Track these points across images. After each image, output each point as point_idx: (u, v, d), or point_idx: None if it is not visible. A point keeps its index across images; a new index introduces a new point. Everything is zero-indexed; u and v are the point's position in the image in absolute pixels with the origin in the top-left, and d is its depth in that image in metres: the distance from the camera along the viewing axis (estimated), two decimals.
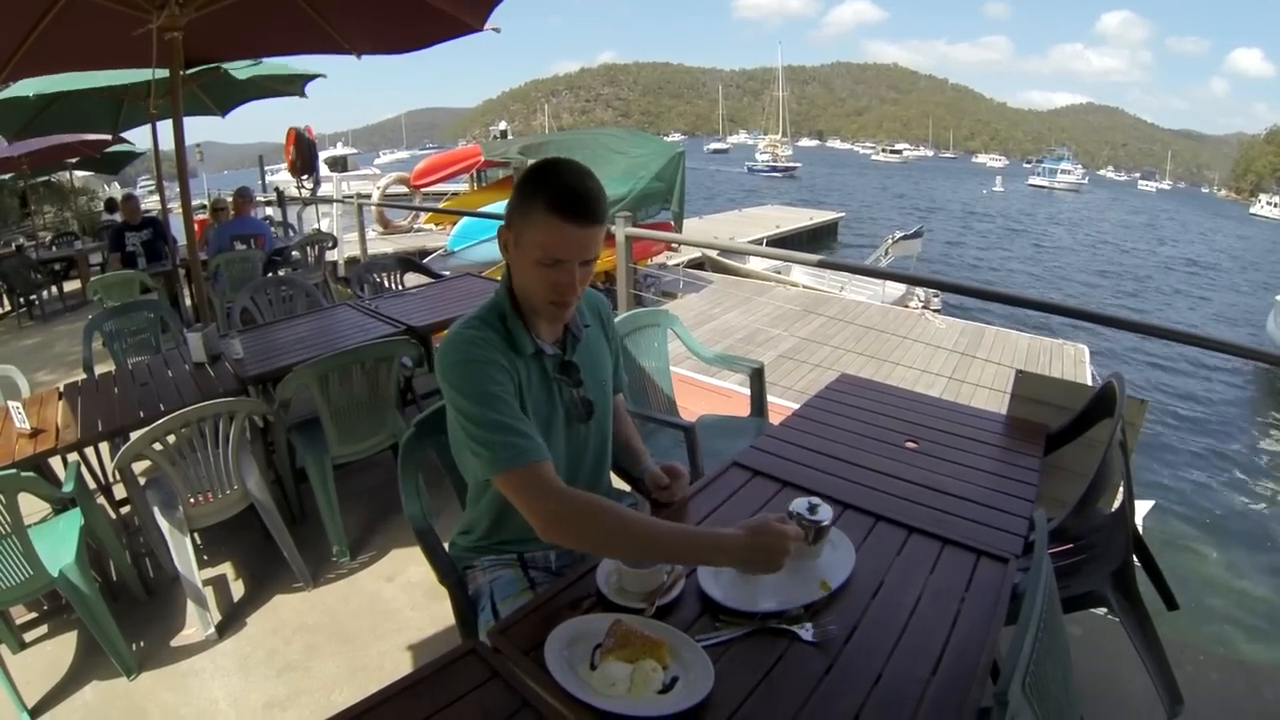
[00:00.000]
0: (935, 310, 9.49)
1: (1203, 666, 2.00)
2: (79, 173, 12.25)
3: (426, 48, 3.34)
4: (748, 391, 2.64)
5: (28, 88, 4.29)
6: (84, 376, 3.03)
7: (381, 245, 12.40)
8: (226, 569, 2.60)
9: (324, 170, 14.80)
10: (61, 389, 2.69)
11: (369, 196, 14.10)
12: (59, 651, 2.21)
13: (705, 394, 4.18)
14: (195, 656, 2.16)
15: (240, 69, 4.98)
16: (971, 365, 6.31)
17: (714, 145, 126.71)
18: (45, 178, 12.03)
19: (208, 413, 2.17)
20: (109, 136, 6.41)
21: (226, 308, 4.57)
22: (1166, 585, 1.42)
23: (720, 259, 11.84)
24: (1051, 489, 1.85)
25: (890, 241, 15.11)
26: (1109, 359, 12.21)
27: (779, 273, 11.83)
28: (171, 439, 2.13)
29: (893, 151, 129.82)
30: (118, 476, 2.66)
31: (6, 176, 10.15)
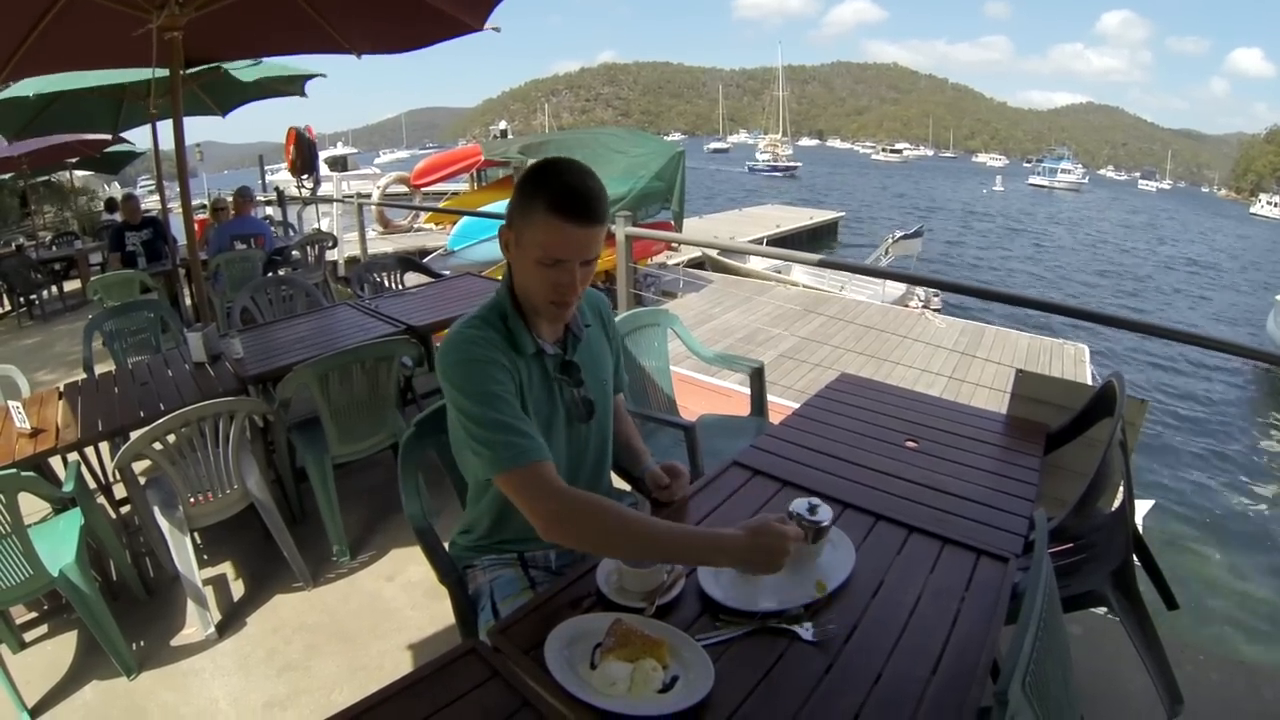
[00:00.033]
0: (935, 310, 9.49)
1: (1203, 666, 2.00)
2: (79, 172, 12.27)
3: (426, 47, 3.34)
4: (748, 391, 2.64)
5: (28, 87, 4.29)
6: (84, 376, 3.03)
7: (381, 245, 12.40)
8: (226, 568, 2.60)
9: (324, 170, 14.79)
10: (61, 389, 2.69)
11: (369, 196, 14.10)
12: (59, 651, 2.21)
13: (705, 393, 4.18)
14: (195, 656, 2.16)
15: (240, 69, 4.98)
16: (971, 365, 6.31)
17: (714, 145, 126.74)
18: (45, 177, 12.04)
19: (208, 412, 2.17)
20: (109, 136, 6.41)
21: (226, 307, 4.57)
22: (1166, 585, 1.42)
23: (720, 258, 11.84)
24: (1051, 488, 1.85)
25: (890, 241, 15.12)
26: (1109, 359, 12.22)
27: (779, 272, 11.83)
28: (171, 438, 2.13)
29: (893, 151, 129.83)
30: (118, 476, 2.66)
31: (6, 176, 10.15)
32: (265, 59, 5.00)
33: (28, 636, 2.27)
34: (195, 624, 2.24)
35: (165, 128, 4.93)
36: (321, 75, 5.69)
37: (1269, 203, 63.75)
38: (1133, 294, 22.08)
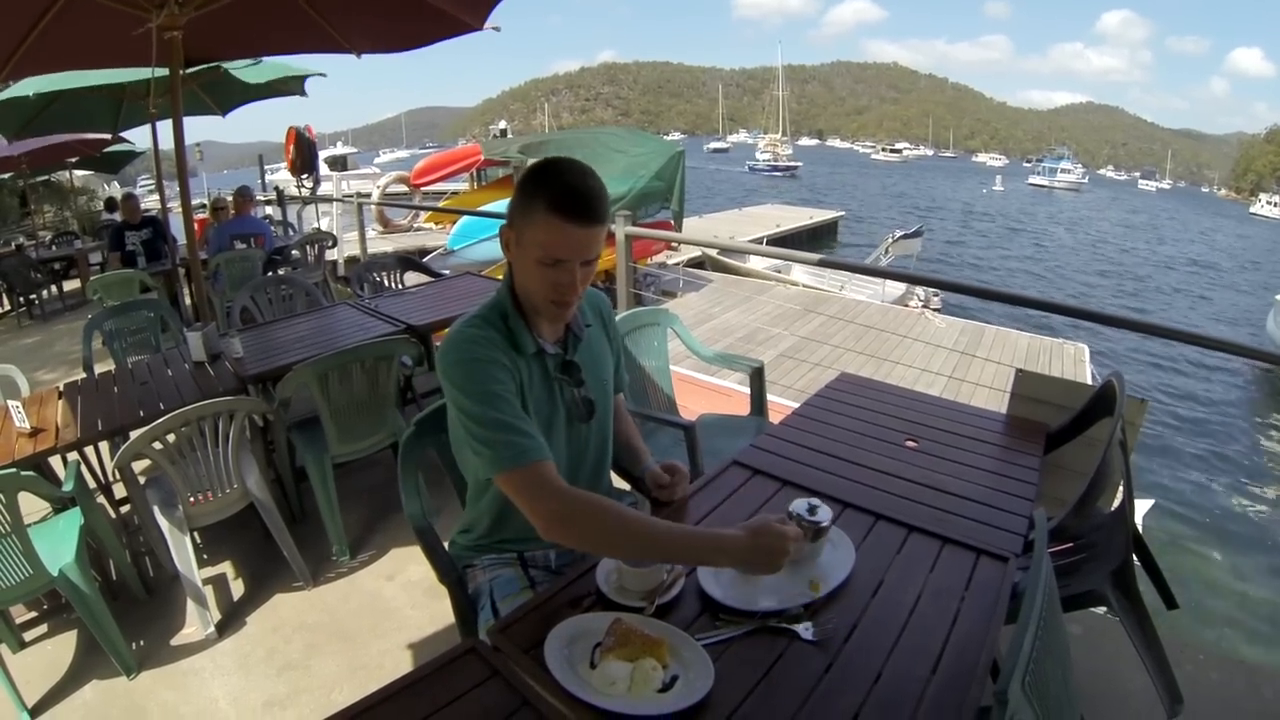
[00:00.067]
0: (935, 309, 9.50)
1: (1202, 666, 2.00)
2: (79, 172, 12.25)
3: (426, 46, 3.34)
4: (748, 390, 2.64)
5: (28, 87, 4.29)
6: (84, 376, 3.03)
7: (381, 244, 12.41)
8: (226, 568, 2.60)
9: (324, 169, 14.78)
10: (61, 388, 2.69)
11: (369, 196, 14.09)
12: (59, 651, 2.21)
13: (705, 393, 4.18)
14: (195, 655, 2.16)
15: (240, 68, 4.98)
16: (971, 364, 6.31)
17: (714, 144, 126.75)
18: (45, 177, 12.04)
19: (207, 412, 2.16)
20: (109, 136, 6.40)
21: (226, 307, 4.57)
22: (1166, 584, 1.42)
23: (720, 258, 11.84)
24: (1051, 488, 1.85)
25: (890, 241, 15.12)
26: (1109, 359, 12.21)
27: (779, 272, 11.83)
28: (171, 438, 2.13)
29: (893, 151, 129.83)
30: (117, 475, 2.65)
31: (6, 176, 10.15)
32: (265, 58, 5.00)
33: (27, 636, 2.27)
34: (195, 623, 2.24)
35: (165, 127, 4.92)
36: (321, 74, 5.69)
37: (1269, 202, 63.77)
38: (1133, 294, 22.08)
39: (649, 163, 9.35)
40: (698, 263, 11.86)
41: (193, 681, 2.06)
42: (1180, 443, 9.46)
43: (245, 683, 2.04)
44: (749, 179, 55.98)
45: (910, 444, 1.72)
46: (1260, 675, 2.02)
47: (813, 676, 0.97)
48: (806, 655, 1.01)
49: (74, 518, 2.17)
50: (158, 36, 2.72)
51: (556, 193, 1.11)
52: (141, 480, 2.44)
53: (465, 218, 8.84)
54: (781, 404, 3.45)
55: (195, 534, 2.45)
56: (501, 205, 7.90)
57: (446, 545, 1.43)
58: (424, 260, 6.66)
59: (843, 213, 24.69)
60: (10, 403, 2.37)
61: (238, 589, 2.49)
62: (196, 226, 3.50)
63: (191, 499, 2.25)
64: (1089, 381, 3.85)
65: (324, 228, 9.26)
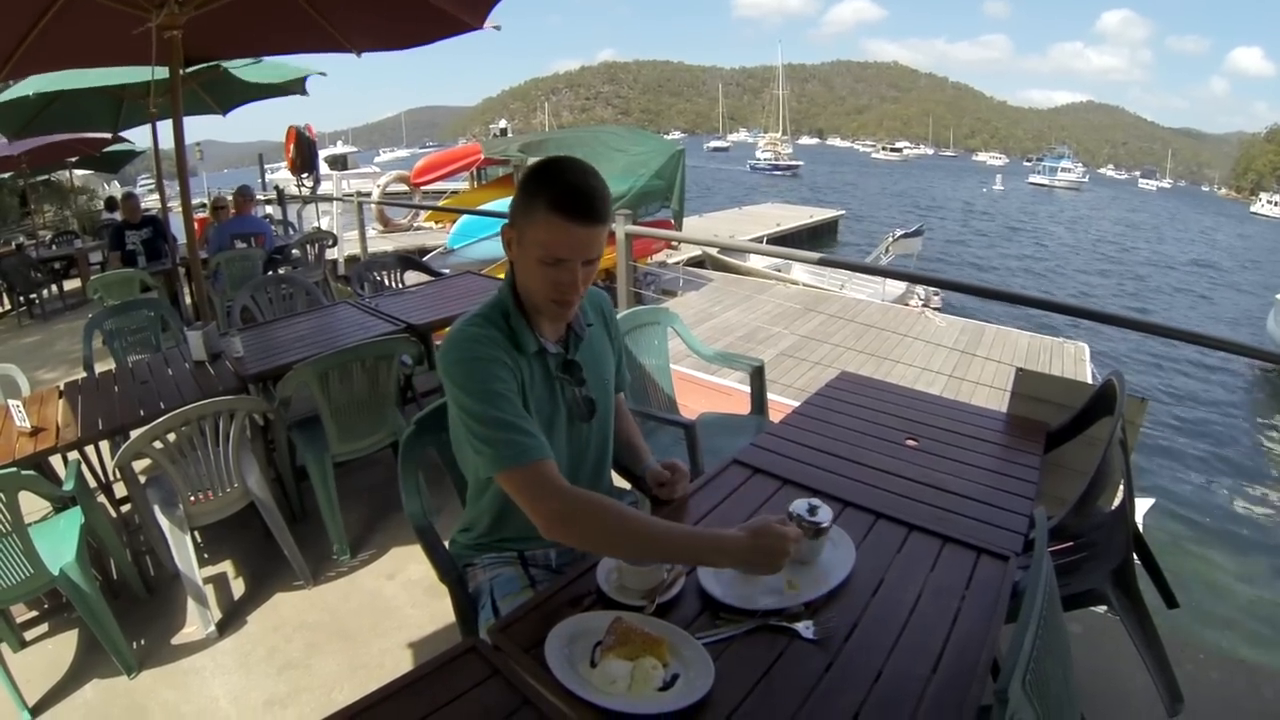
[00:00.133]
0: (935, 308, 9.49)
1: (1203, 665, 2.00)
2: (79, 171, 12.26)
3: (426, 45, 3.34)
4: (748, 389, 2.64)
5: (28, 87, 4.29)
6: (84, 375, 3.03)
7: (381, 243, 12.41)
8: (227, 567, 2.60)
9: (324, 169, 14.79)
10: (62, 387, 2.69)
11: (369, 195, 14.10)
12: (59, 650, 2.21)
13: (705, 392, 4.18)
14: (196, 654, 2.16)
15: (240, 67, 4.97)
16: (972, 363, 6.31)
17: (714, 143, 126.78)
18: (45, 176, 12.05)
19: (208, 411, 2.17)
20: (109, 135, 6.40)
21: (227, 306, 4.57)
22: (1166, 583, 1.42)
23: (720, 257, 11.85)
24: (1051, 487, 1.85)
25: (890, 240, 15.12)
26: (1109, 360, 12.21)
27: (779, 270, 11.83)
28: (172, 437, 2.13)
29: (893, 150, 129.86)
30: (118, 475, 2.66)
31: (6, 175, 10.15)
32: (265, 58, 5.00)
33: (28, 635, 2.27)
34: (196, 622, 2.24)
35: (165, 127, 4.92)
36: (321, 73, 5.69)
37: (1269, 202, 63.73)
38: (1133, 294, 22.08)
39: (649, 162, 9.35)
40: (698, 262, 11.86)
41: (193, 680, 2.06)
42: (1181, 443, 9.45)
43: (246, 682, 2.05)
44: (750, 178, 55.97)
45: (910, 443, 1.72)
46: (1261, 675, 2.02)
47: (813, 675, 0.97)
48: (807, 654, 1.01)
49: (74, 517, 2.18)
50: (157, 36, 2.71)
51: (558, 192, 1.11)
52: (142, 479, 2.44)
53: (465, 217, 8.84)
54: (782, 403, 3.45)
55: (196, 533, 2.45)
56: (501, 204, 7.90)
57: (447, 544, 1.43)
58: (424, 259, 6.65)
59: (843, 212, 24.68)
60: (11, 402, 2.37)
61: (238, 588, 2.49)
62: (197, 226, 3.50)
63: (192, 498, 2.25)
64: (1089, 381, 3.85)
65: (324, 227, 9.26)
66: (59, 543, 2.06)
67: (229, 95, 5.59)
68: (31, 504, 2.14)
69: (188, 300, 5.61)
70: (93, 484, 2.62)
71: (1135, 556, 1.32)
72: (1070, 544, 1.46)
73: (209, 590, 2.40)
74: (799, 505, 1.19)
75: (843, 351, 6.35)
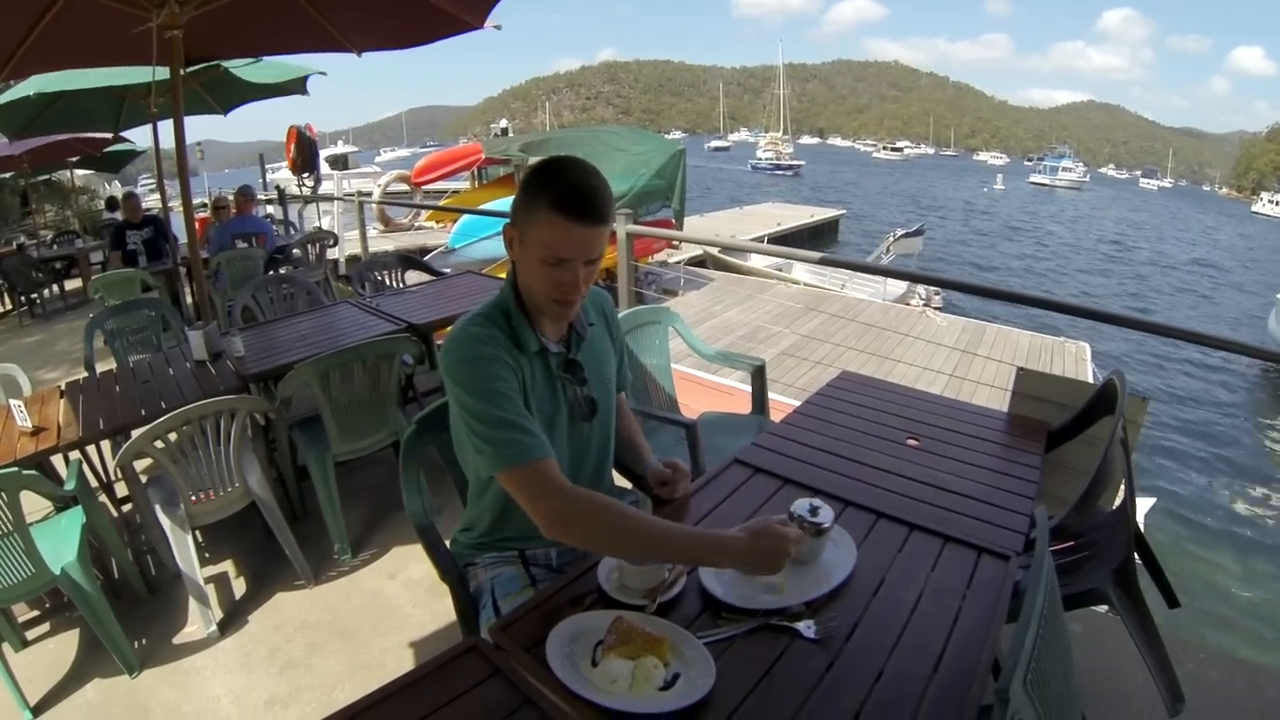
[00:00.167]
0: (936, 308, 9.49)
1: (1204, 664, 2.00)
2: (80, 171, 12.27)
3: (427, 44, 3.34)
4: (749, 389, 2.64)
5: (30, 87, 4.29)
6: (85, 375, 3.03)
7: (382, 243, 12.42)
8: (228, 566, 2.60)
9: (325, 168, 14.81)
10: (63, 387, 2.69)
11: (370, 194, 14.11)
12: (61, 649, 2.21)
13: (706, 391, 4.18)
14: (197, 654, 2.16)
15: (241, 67, 4.98)
16: (973, 363, 6.31)
17: (715, 143, 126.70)
18: (46, 176, 12.07)
19: (209, 410, 2.17)
20: (110, 135, 6.41)
21: (228, 306, 4.58)
22: (1167, 583, 1.42)
23: (721, 256, 11.85)
24: (1052, 486, 1.85)
25: (891, 239, 15.12)
26: (1111, 359, 12.20)
27: (780, 270, 11.83)
28: (173, 437, 2.13)
29: (894, 149, 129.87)
30: (119, 474, 2.66)
31: (8, 175, 10.17)
32: (266, 58, 5.00)
33: (30, 635, 2.27)
34: (197, 622, 2.25)
35: (166, 127, 4.92)
36: (322, 73, 5.69)
37: (1270, 201, 63.65)
38: (1134, 294, 22.06)
39: (650, 161, 9.35)
40: (699, 261, 11.87)
41: (195, 680, 2.06)
42: (1183, 443, 9.45)
43: (247, 681, 2.05)
44: (752, 177, 55.97)
45: (911, 442, 1.71)
46: (1262, 675, 2.02)
47: (814, 675, 0.97)
48: (808, 653, 1.01)
49: (76, 516, 2.18)
50: (158, 35, 2.72)
51: (560, 192, 1.11)
52: (143, 479, 2.45)
53: (466, 216, 8.85)
54: (783, 402, 3.45)
55: (197, 532, 2.45)
56: (502, 204, 7.90)
57: (448, 543, 1.43)
58: (425, 259, 6.66)
59: (844, 211, 24.68)
60: (12, 402, 2.37)
61: (239, 587, 2.49)
62: (198, 225, 3.51)
63: (193, 497, 2.25)
64: (1090, 380, 3.85)
65: (325, 226, 9.27)
66: (60, 542, 2.06)
67: (230, 95, 5.59)
68: (33, 503, 2.14)
69: (189, 300, 5.62)
70: (94, 483, 2.62)
71: (1136, 556, 1.32)
72: (1071, 543, 1.46)
73: (210, 590, 2.40)
74: (800, 505, 1.18)
75: (844, 351, 6.36)
